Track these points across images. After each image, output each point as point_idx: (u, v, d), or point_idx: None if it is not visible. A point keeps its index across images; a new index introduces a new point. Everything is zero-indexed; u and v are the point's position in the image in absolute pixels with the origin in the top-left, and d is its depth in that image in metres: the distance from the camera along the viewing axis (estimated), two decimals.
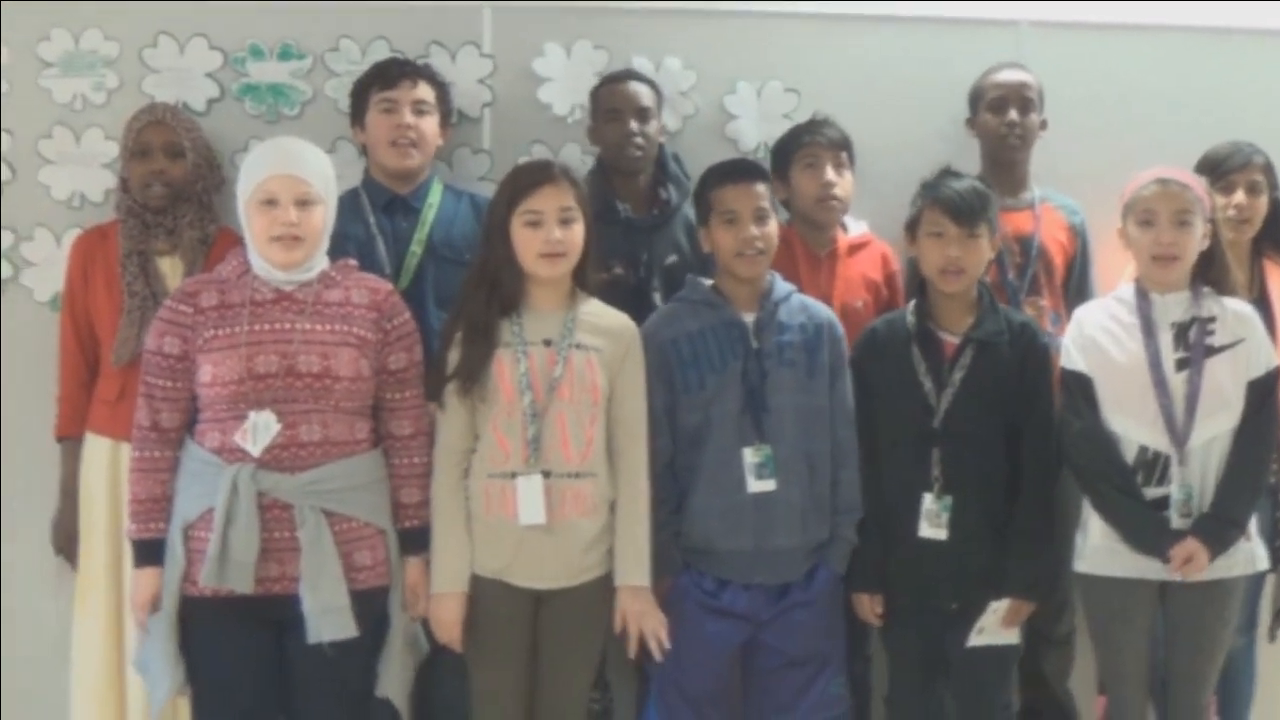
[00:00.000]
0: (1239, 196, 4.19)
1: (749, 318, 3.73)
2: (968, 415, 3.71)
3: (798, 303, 3.80)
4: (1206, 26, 4.56)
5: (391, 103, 4.10)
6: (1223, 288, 3.79)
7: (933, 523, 3.70)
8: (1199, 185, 3.80)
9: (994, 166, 4.32)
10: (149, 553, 3.48)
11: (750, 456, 3.66)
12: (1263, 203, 4.26)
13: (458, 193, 4.23)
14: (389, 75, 4.13)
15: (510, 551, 3.54)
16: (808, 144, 4.14)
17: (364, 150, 4.21)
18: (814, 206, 4.13)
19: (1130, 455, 3.71)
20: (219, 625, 3.42)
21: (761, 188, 3.76)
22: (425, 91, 4.15)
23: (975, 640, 3.72)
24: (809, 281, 4.02)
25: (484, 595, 3.55)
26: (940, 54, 4.50)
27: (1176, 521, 3.66)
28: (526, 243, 3.54)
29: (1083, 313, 3.90)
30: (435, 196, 4.16)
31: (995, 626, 3.71)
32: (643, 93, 4.21)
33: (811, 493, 3.70)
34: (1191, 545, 3.62)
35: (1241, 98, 4.54)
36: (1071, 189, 4.42)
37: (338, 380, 3.46)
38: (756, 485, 3.65)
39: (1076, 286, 4.33)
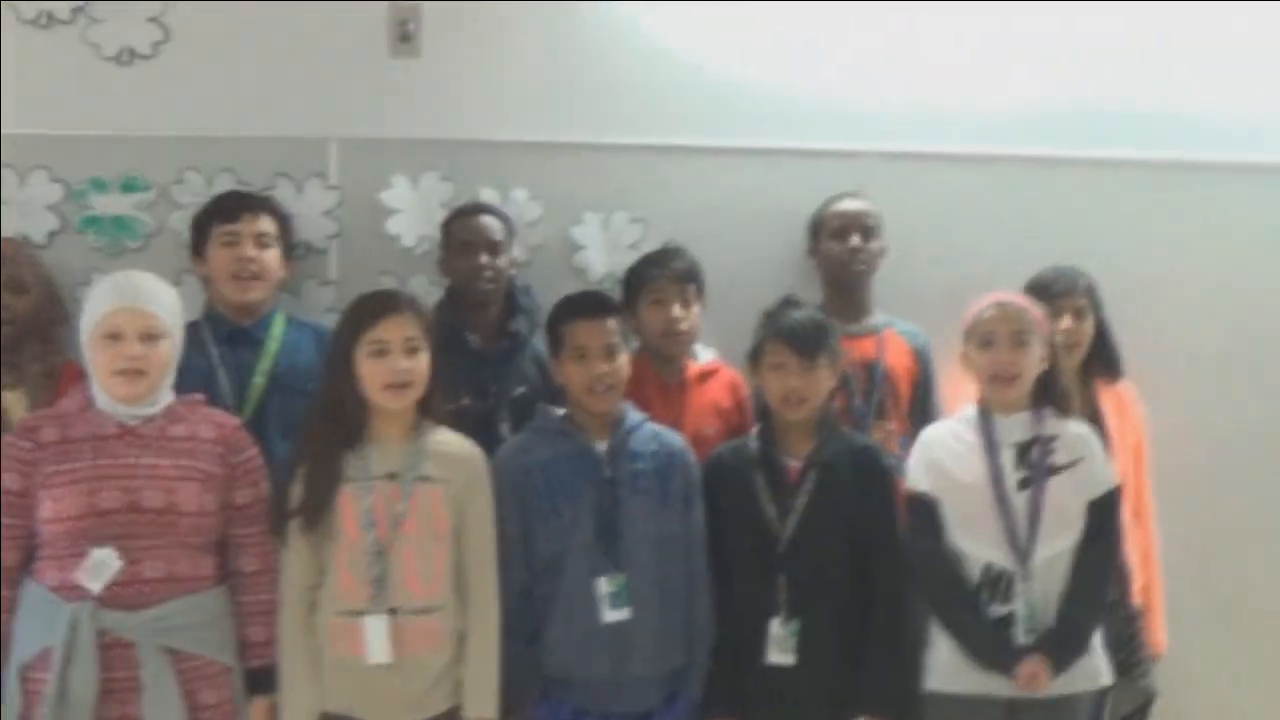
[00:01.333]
0: (1066, 321, 4.27)
1: (601, 446, 3.74)
2: (812, 539, 3.74)
3: (649, 431, 3.82)
4: (1040, 156, 4.66)
5: (233, 235, 4.08)
6: (1064, 409, 3.88)
7: (781, 647, 3.71)
8: (1036, 309, 3.89)
9: (837, 293, 4.39)
10: None
11: (605, 586, 3.65)
12: (1088, 326, 4.36)
13: (300, 324, 4.21)
14: (230, 208, 4.12)
15: (359, 689, 3.49)
16: (654, 278, 4.17)
17: (205, 283, 4.17)
18: (661, 340, 4.16)
19: (975, 573, 3.75)
20: None
21: (611, 323, 3.77)
22: (267, 224, 4.14)
23: None
24: (661, 410, 4.03)
25: None
26: (786, 184, 4.55)
27: (1021, 638, 3.70)
28: (372, 373, 3.53)
29: (927, 434, 3.96)
30: (278, 328, 4.14)
31: None
32: (494, 226, 4.23)
33: (666, 620, 3.70)
34: (1035, 662, 3.66)
35: (1074, 223, 4.64)
36: (918, 312, 4.48)
37: (182, 516, 3.42)
38: (611, 614, 3.64)
39: (920, 409, 4.38)
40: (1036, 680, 3.65)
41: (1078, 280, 4.36)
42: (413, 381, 3.55)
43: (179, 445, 3.49)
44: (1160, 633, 4.41)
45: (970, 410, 3.90)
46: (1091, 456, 3.83)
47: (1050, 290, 4.26)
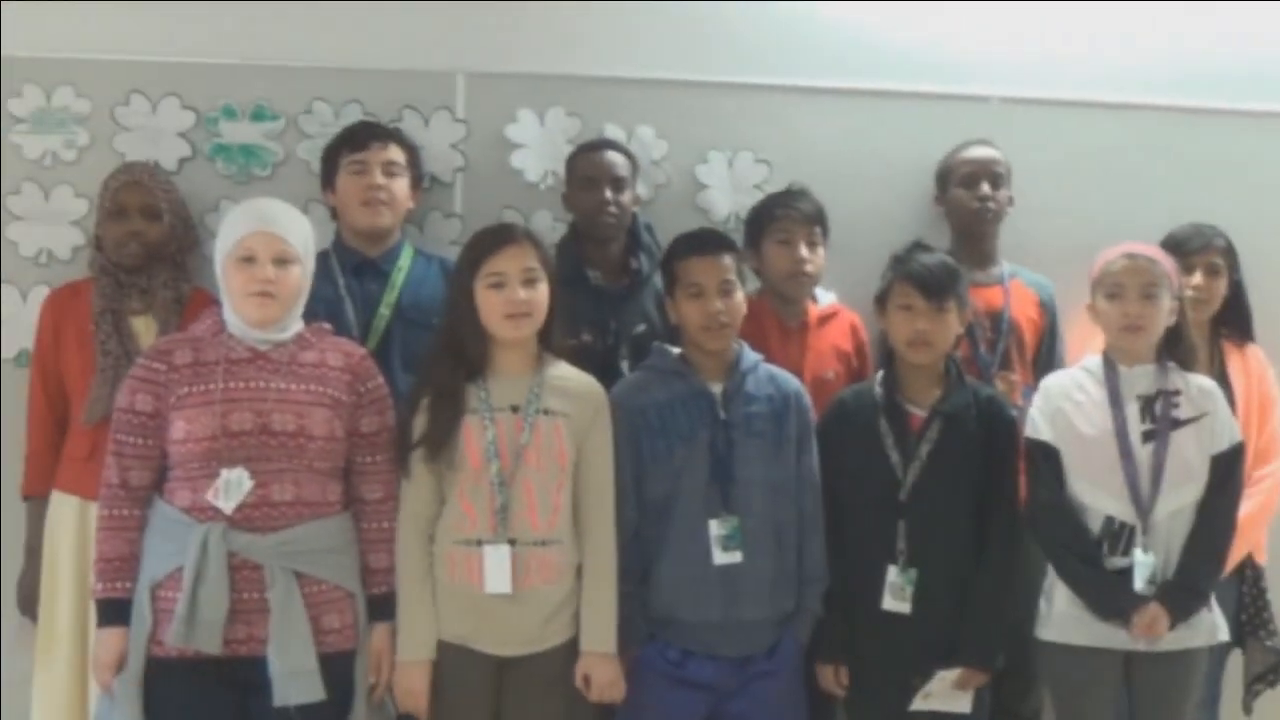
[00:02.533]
0: (1197, 278, 4.24)
1: (716, 388, 3.72)
2: (934, 488, 3.72)
3: (765, 373, 3.80)
4: (1175, 106, 4.61)
5: (362, 164, 4.11)
6: (1188, 363, 3.84)
7: (897, 596, 3.70)
8: (1167, 261, 3.84)
9: (964, 242, 4.35)
10: (115, 613, 3.43)
11: (716, 528, 3.64)
12: (1221, 285, 4.31)
13: (428, 257, 4.24)
14: (359, 138, 4.15)
15: (475, 618, 3.51)
16: (781, 218, 4.15)
17: (334, 214, 4.20)
18: (785, 281, 4.14)
19: (1096, 525, 3.73)
20: (184, 687, 3.36)
21: (728, 260, 3.75)
22: (396, 153, 4.16)
23: (919, 704, 3.70)
24: (780, 352, 4.02)
25: (448, 661, 3.52)
26: (911, 128, 4.54)
27: (1141, 588, 3.67)
28: (491, 305, 3.54)
29: (1049, 383, 3.92)
30: (405, 260, 4.17)
31: (944, 693, 3.70)
32: (618, 162, 4.23)
33: (778, 564, 3.68)
34: (1154, 610, 3.63)
35: (1208, 179, 4.58)
36: (1039, 265, 4.46)
37: (312, 440, 3.45)
38: (723, 557, 3.63)
39: (1045, 361, 4.35)
40: (1155, 627, 3.63)
41: (1214, 238, 4.31)
42: (531, 312, 3.56)
43: (309, 371, 3.51)
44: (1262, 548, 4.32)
45: (1094, 360, 3.86)
46: (1216, 411, 3.78)
47: (1185, 246, 4.23)
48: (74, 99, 4.33)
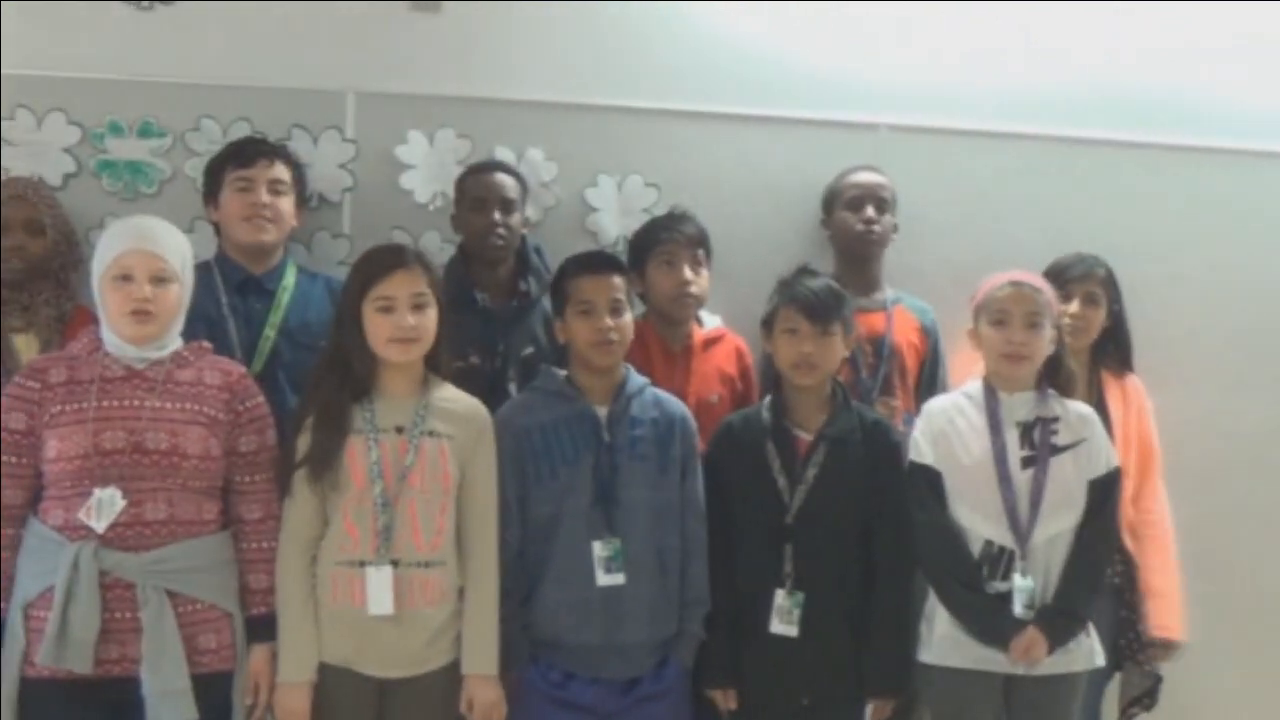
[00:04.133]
0: (1074, 306, 4.29)
1: (602, 411, 3.74)
2: (821, 511, 3.75)
3: (651, 397, 3.81)
4: (1059, 135, 4.68)
5: (248, 181, 4.07)
6: (1067, 391, 3.89)
7: (784, 619, 3.72)
8: (1049, 290, 3.89)
9: (848, 266, 4.39)
10: None
11: (600, 550, 3.65)
12: (1099, 314, 4.37)
13: (312, 275, 4.21)
14: (245, 154, 4.12)
15: (357, 640, 3.50)
16: (665, 241, 4.17)
17: (217, 229, 4.16)
18: (670, 303, 4.16)
19: (976, 549, 3.77)
20: (57, 708, 3.33)
21: (618, 280, 3.77)
22: (282, 171, 4.13)
23: None
24: (664, 376, 4.03)
25: (330, 683, 3.51)
26: (800, 154, 4.57)
27: (1020, 613, 3.71)
28: (378, 328, 3.53)
29: (931, 406, 3.97)
30: (290, 279, 4.14)
31: None
32: (508, 184, 4.23)
33: (661, 587, 3.70)
34: (1032, 634, 3.67)
35: (1091, 207, 4.67)
36: (924, 290, 4.50)
37: (185, 458, 3.42)
38: (605, 579, 3.65)
39: (927, 386, 4.39)
40: (1032, 652, 3.67)
41: (1095, 267, 4.37)
42: (419, 338, 3.55)
43: (185, 390, 3.49)
44: (1177, 622, 4.36)
45: (975, 386, 3.91)
46: (1093, 437, 3.84)
47: (1066, 274, 4.29)
48: None
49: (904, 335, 4.38)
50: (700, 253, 4.20)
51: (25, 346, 4.02)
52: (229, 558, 3.52)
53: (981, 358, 3.93)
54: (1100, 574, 3.85)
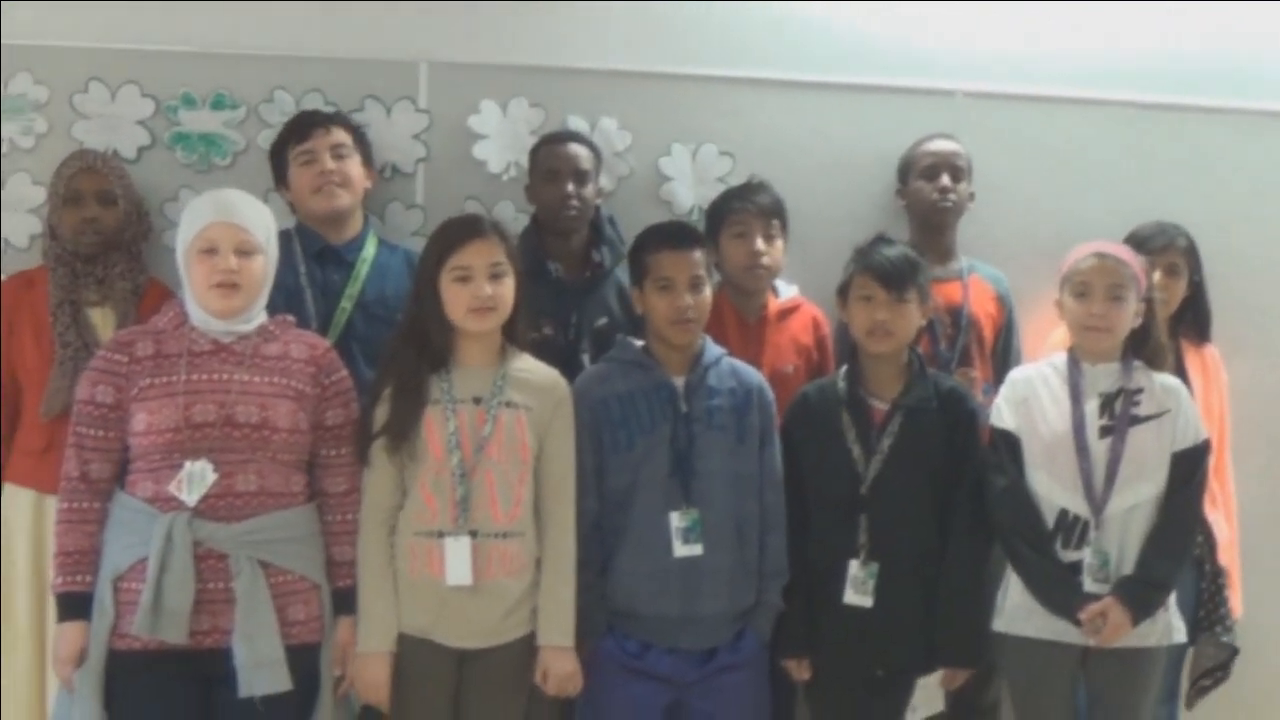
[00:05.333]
0: (1157, 277, 4.22)
1: (679, 381, 3.72)
2: (896, 482, 3.73)
3: (728, 367, 3.79)
4: (1138, 102, 4.63)
5: (310, 153, 4.09)
6: (1155, 363, 3.84)
7: (858, 590, 3.71)
8: (1136, 262, 3.84)
9: (923, 235, 4.36)
10: (76, 607, 3.40)
11: (677, 521, 3.64)
12: (1180, 285, 4.33)
13: (392, 247, 4.22)
14: (301, 128, 4.14)
15: (435, 610, 3.51)
16: (738, 211, 4.15)
17: (293, 209, 4.18)
18: (742, 274, 4.15)
19: (1051, 517, 3.74)
20: (147, 679, 3.35)
21: (698, 255, 3.74)
22: (341, 135, 4.14)
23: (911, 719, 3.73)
24: (739, 346, 4.01)
25: (408, 654, 3.52)
26: (876, 122, 4.54)
27: (1089, 585, 3.69)
28: (455, 298, 3.53)
29: (1016, 375, 3.94)
30: (370, 250, 4.15)
31: (927, 700, 3.72)
32: (582, 155, 4.21)
33: (738, 558, 3.69)
34: (1108, 605, 3.64)
35: (1171, 175, 4.61)
36: (999, 259, 4.47)
37: (275, 431, 3.44)
38: (683, 550, 3.64)
39: (1002, 356, 4.38)
40: (1113, 625, 3.63)
41: (1176, 238, 4.33)
42: (496, 307, 3.55)
43: (272, 363, 3.50)
44: (1237, 596, 4.36)
45: (1060, 357, 3.88)
46: (1179, 410, 3.79)
47: (1147, 245, 4.23)
48: (31, 86, 4.30)
49: (980, 305, 4.36)
50: (775, 223, 4.17)
51: (102, 320, 4.07)
52: (316, 530, 3.54)
53: (1058, 327, 3.90)
54: (1185, 546, 3.82)
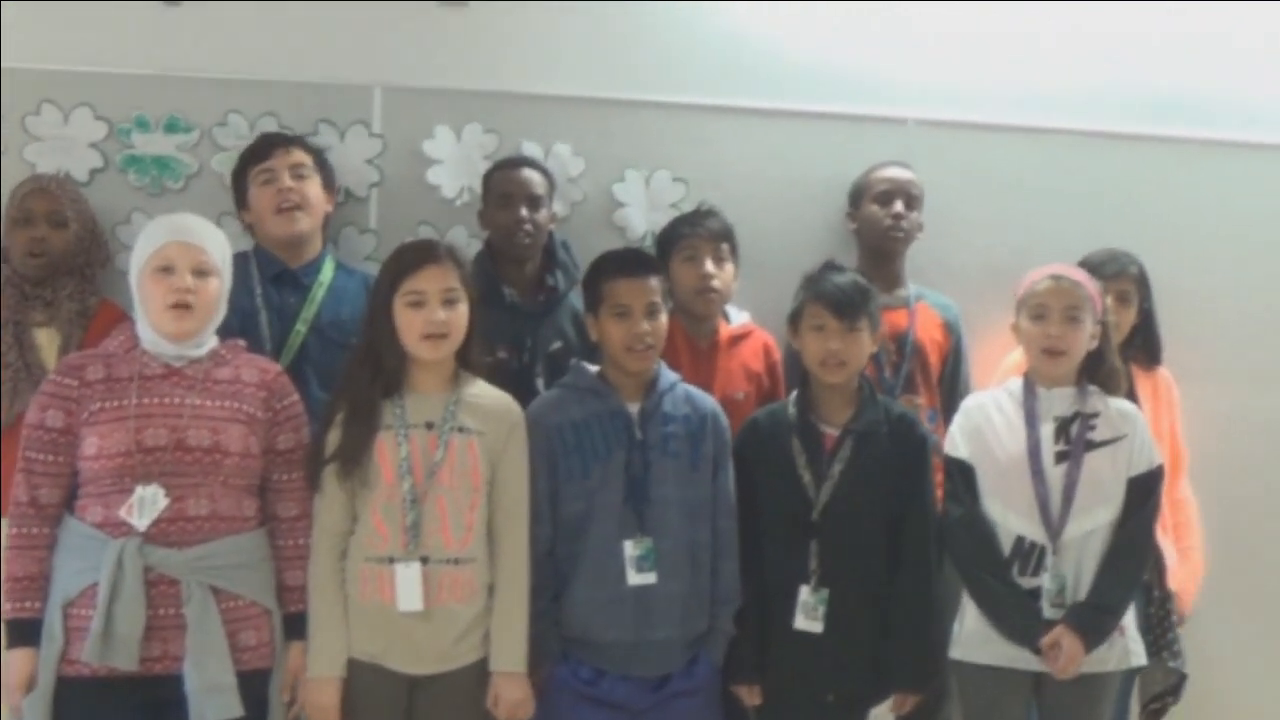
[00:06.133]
0: (1108, 302, 4.25)
1: (634, 408, 3.72)
2: (846, 507, 3.73)
3: (683, 393, 3.80)
4: (1086, 130, 4.67)
5: (270, 172, 4.09)
6: (1110, 387, 3.87)
7: (809, 615, 3.71)
8: (1091, 285, 3.88)
9: (872, 261, 4.38)
10: (24, 633, 3.38)
11: (631, 549, 3.64)
12: (1131, 312, 4.37)
13: (350, 271, 4.22)
14: (261, 149, 4.13)
15: (386, 636, 3.50)
16: (687, 236, 4.16)
17: (252, 231, 4.16)
18: (693, 298, 4.15)
19: (1007, 545, 3.77)
20: (96, 706, 3.33)
21: (654, 282, 3.74)
22: (301, 156, 4.14)
23: None
24: (690, 372, 4.01)
25: (359, 679, 3.50)
26: (829, 149, 4.56)
27: (1048, 611, 3.71)
28: (409, 323, 3.52)
29: (970, 402, 3.97)
30: (327, 274, 4.14)
31: None
32: (535, 180, 4.22)
33: (692, 585, 3.69)
34: (1061, 633, 3.66)
35: (1121, 204, 4.65)
36: (953, 283, 4.50)
37: (227, 456, 3.43)
38: (637, 578, 3.64)
39: (950, 383, 4.39)
40: (1067, 654, 3.65)
41: (1128, 265, 4.37)
42: (449, 333, 3.54)
43: (224, 387, 3.49)
44: (1193, 588, 4.40)
45: (1015, 382, 3.90)
46: (1134, 434, 3.82)
47: (1099, 271, 4.24)
48: None
49: (926, 332, 4.37)
50: (724, 248, 4.18)
51: (47, 341, 4.03)
52: (268, 555, 3.53)
53: (1010, 355, 3.92)
54: (1138, 571, 3.84)
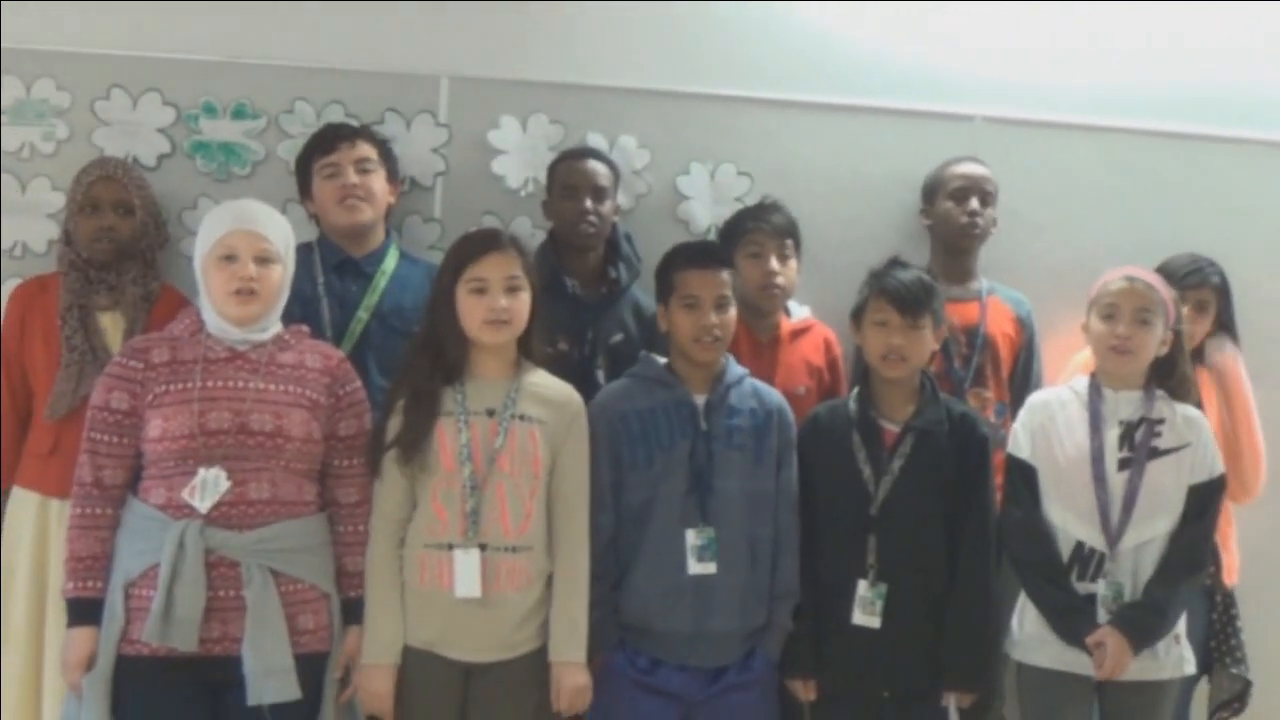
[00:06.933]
0: (1185, 312, 4.20)
1: (700, 399, 3.72)
2: (905, 503, 3.72)
3: (750, 387, 3.79)
4: (1155, 130, 4.63)
5: (334, 166, 4.09)
6: (1180, 394, 3.82)
7: (866, 610, 3.69)
8: (1166, 290, 3.83)
9: (946, 257, 4.37)
10: (85, 612, 3.40)
11: (693, 538, 3.64)
12: (1207, 321, 4.34)
13: (414, 260, 4.22)
14: (327, 141, 4.14)
15: (442, 623, 3.50)
16: (752, 231, 4.15)
17: (317, 221, 4.18)
18: (756, 294, 4.13)
19: (1067, 550, 3.73)
20: (155, 686, 3.35)
21: (725, 275, 3.74)
22: (366, 150, 4.15)
23: None
24: (751, 366, 3.98)
25: (414, 666, 3.51)
26: (895, 145, 4.55)
27: (1103, 617, 3.67)
28: (471, 310, 3.53)
29: (1035, 399, 3.94)
30: (391, 263, 4.15)
31: None
32: (600, 171, 4.22)
33: (751, 577, 3.68)
34: (1106, 632, 3.63)
35: (1192, 205, 4.60)
36: (1020, 283, 4.47)
37: (289, 440, 3.44)
38: (697, 568, 3.63)
39: (1021, 379, 4.36)
40: (1113, 655, 3.61)
41: (1210, 274, 4.33)
42: (510, 320, 3.55)
43: (287, 372, 3.51)
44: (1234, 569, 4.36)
45: (1081, 381, 3.87)
46: (1199, 442, 3.78)
47: (1179, 279, 4.21)
48: (54, 91, 4.32)
49: (998, 326, 4.35)
50: (788, 243, 4.17)
51: (111, 325, 4.07)
52: (327, 539, 3.54)
53: (1080, 352, 3.88)
54: (1192, 579, 3.78)
